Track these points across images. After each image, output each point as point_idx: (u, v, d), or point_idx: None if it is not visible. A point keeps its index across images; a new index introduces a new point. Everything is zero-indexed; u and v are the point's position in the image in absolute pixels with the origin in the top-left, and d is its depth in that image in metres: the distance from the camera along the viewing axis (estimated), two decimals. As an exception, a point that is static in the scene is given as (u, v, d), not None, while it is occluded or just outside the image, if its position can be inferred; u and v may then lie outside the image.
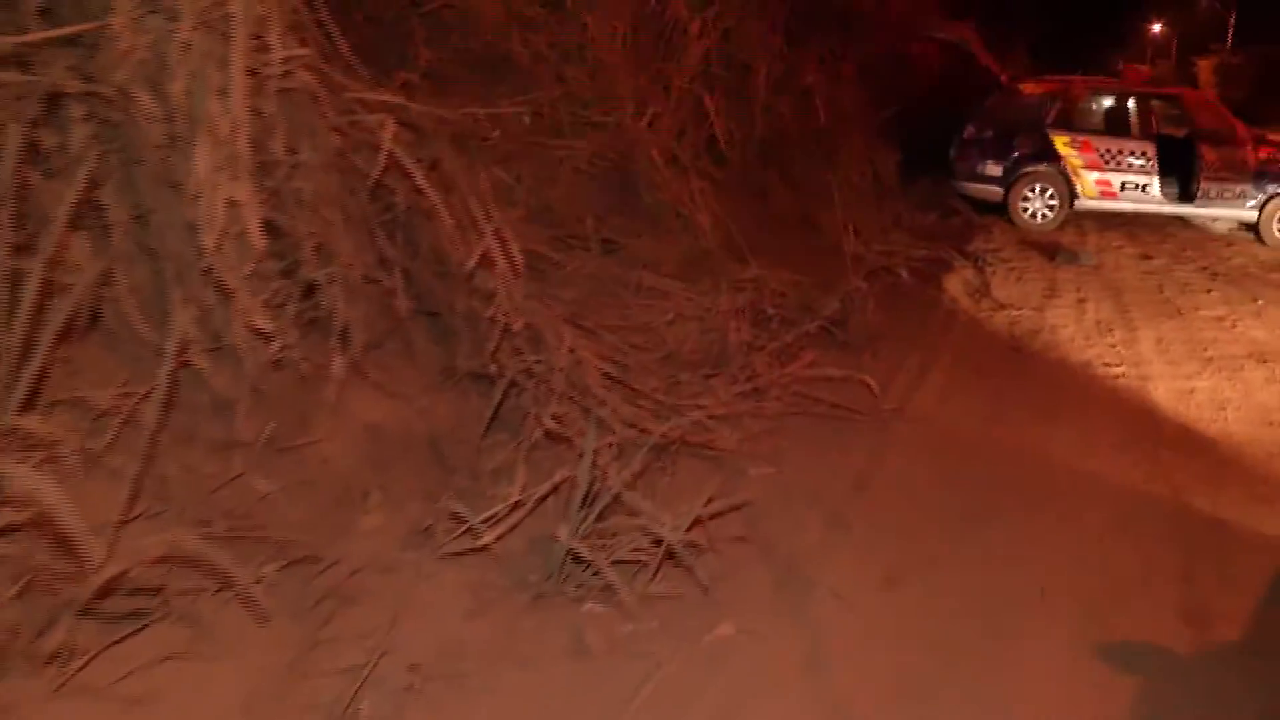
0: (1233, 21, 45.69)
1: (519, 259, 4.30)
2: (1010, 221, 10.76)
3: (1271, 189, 10.32)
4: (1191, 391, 5.85)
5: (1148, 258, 9.56)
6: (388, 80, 5.04)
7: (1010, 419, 5.25)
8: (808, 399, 5.04)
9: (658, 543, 3.34)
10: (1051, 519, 4.20)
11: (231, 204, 3.52)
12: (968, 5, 14.33)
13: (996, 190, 10.76)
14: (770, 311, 5.71)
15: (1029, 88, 11.11)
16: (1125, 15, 51.60)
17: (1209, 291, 8.27)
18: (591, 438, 3.59)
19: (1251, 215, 10.43)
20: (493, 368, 4.39)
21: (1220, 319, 7.45)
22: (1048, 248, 9.68)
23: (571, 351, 4.47)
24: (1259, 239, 10.51)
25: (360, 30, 6.38)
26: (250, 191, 3.64)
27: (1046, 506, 4.30)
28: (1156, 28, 55.76)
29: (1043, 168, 10.60)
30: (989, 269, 8.58)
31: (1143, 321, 7.25)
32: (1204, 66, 44.81)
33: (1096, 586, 3.73)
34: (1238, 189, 10.34)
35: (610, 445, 4.07)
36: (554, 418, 4.29)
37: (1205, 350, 6.65)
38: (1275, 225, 10.35)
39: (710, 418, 4.76)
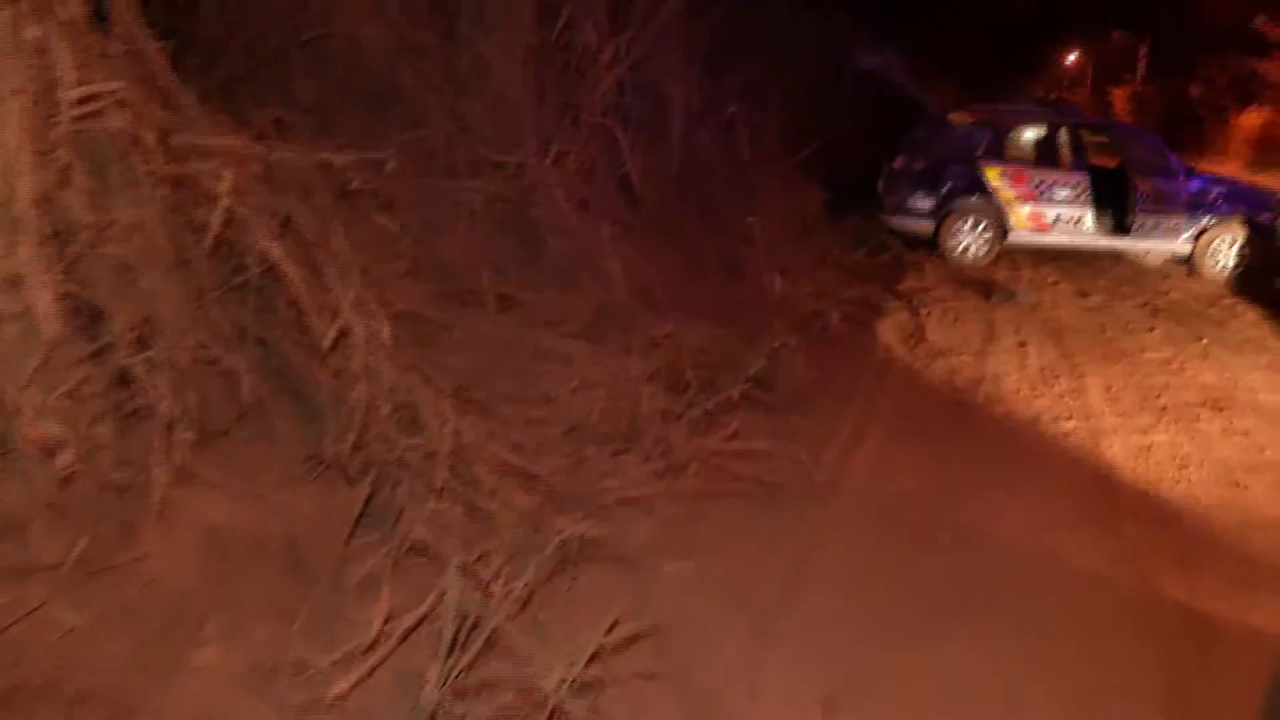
0: (1144, 53, 46.60)
1: (385, 331, 3.66)
2: (941, 257, 10.32)
3: (1205, 220, 10.00)
4: (1149, 448, 5.36)
5: (1085, 294, 9.16)
6: (262, 117, 4.41)
7: (957, 489, 4.71)
8: (731, 475, 4.44)
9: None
10: (1011, 619, 3.64)
11: (11, 281, 2.85)
12: (890, 35, 14.00)
13: (927, 225, 10.32)
14: (688, 374, 5.11)
15: (959, 118, 10.69)
16: (1042, 45, 52.42)
17: (1152, 330, 7.86)
18: (455, 580, 2.93)
19: (1186, 248, 10.11)
20: (358, 458, 3.76)
21: (1168, 361, 7.02)
22: (982, 285, 9.25)
23: (455, 434, 3.85)
24: (1193, 272, 10.19)
25: (235, 62, 5.74)
26: (39, 263, 2.97)
27: (1004, 602, 3.74)
28: (1072, 58, 56.79)
29: (974, 201, 10.18)
30: (923, 310, 8.09)
31: (1089, 366, 6.78)
32: (1118, 96, 45.57)
33: (1068, 699, 3.17)
34: (1172, 221, 10.01)
35: (498, 550, 3.46)
36: (433, 515, 3.67)
37: (1157, 398, 6.19)
38: (1209, 258, 10.03)
39: (620, 503, 4.16)
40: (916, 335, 7.34)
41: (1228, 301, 9.15)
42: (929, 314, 8.01)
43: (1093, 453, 5.28)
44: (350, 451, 3.73)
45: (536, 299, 5.42)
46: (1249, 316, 8.58)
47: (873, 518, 4.37)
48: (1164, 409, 5.99)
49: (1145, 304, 8.84)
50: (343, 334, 3.54)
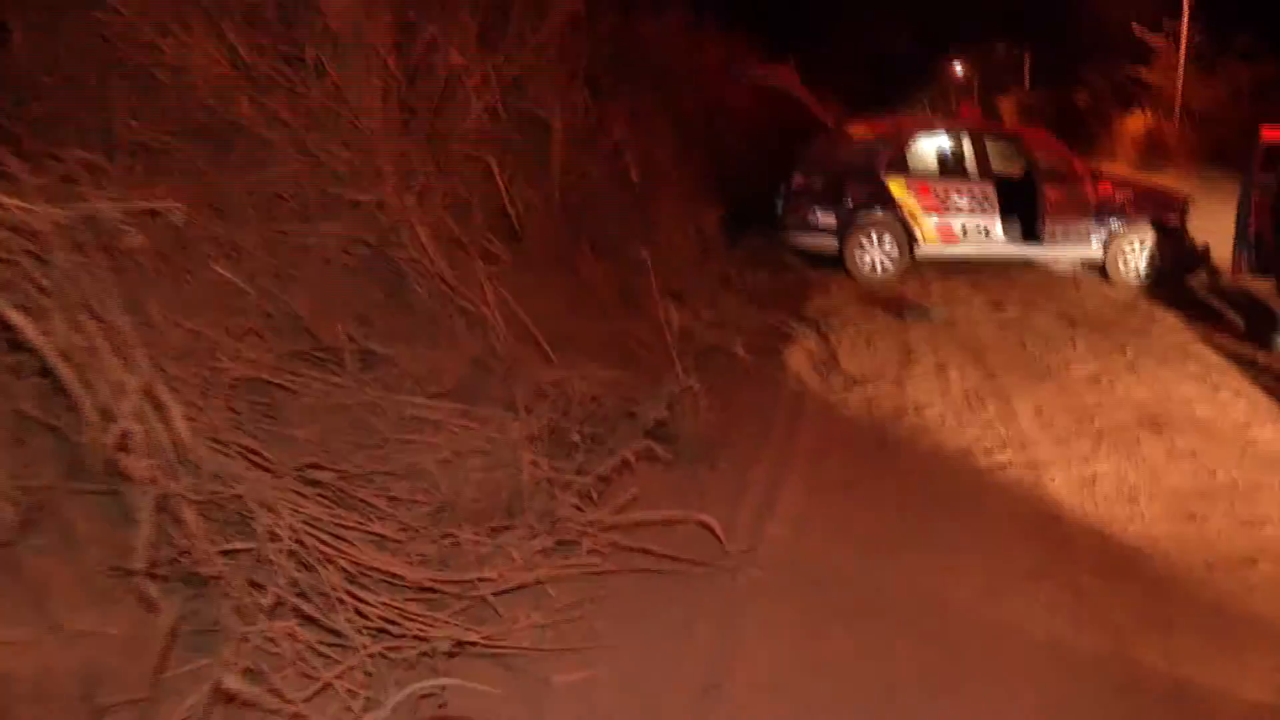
0: (1028, 63, 47.59)
1: (182, 427, 2.94)
2: (848, 274, 9.85)
3: (1114, 225, 9.69)
4: (1093, 479, 4.85)
5: (999, 307, 8.74)
6: (70, 159, 3.68)
7: (890, 548, 4.11)
8: (631, 550, 3.78)
9: None
10: (968, 708, 3.04)
11: None
12: (783, 49, 13.61)
13: (831, 242, 9.84)
14: (578, 432, 4.45)
15: (858, 130, 10.26)
16: (931, 56, 53.30)
17: (1074, 343, 7.43)
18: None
19: (1097, 254, 9.78)
20: (175, 568, 3.05)
21: (1095, 378, 6.57)
22: (893, 303, 8.78)
23: (294, 531, 3.14)
24: (1105, 277, 9.88)
25: (53, 96, 4.96)
26: None
27: (959, 690, 3.13)
28: (959, 69, 57.83)
29: (879, 215, 9.73)
30: (834, 335, 7.56)
31: (1015, 388, 6.29)
32: (1005, 105, 46.45)
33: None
34: (1081, 227, 9.68)
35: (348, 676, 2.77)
36: (266, 638, 2.97)
37: (1092, 420, 5.71)
38: (1120, 262, 9.72)
39: (501, 594, 3.49)
40: (829, 363, 6.79)
41: (1144, 307, 8.81)
42: (840, 338, 7.48)
43: (1034, 489, 4.74)
44: (166, 560, 3.01)
45: (402, 354, 4.70)
46: (1168, 322, 8.23)
47: (798, 593, 3.74)
48: (1101, 432, 5.51)
49: (1062, 314, 8.43)
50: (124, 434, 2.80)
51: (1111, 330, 7.89)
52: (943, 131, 10.48)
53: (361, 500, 3.69)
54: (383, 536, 3.51)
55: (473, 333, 5.18)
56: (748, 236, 10.91)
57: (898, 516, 4.42)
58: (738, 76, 10.19)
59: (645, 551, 3.76)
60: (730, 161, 13.71)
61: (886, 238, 9.71)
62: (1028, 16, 41.03)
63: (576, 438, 4.38)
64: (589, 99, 8.25)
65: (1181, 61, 26.61)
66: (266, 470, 3.37)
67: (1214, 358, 7.10)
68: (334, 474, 3.69)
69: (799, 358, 6.90)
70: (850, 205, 9.73)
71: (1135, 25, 27.48)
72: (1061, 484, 4.80)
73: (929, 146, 10.67)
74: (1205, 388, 6.37)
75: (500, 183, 5.97)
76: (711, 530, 3.88)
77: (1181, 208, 9.79)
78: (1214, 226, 9.88)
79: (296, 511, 3.20)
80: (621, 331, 7.21)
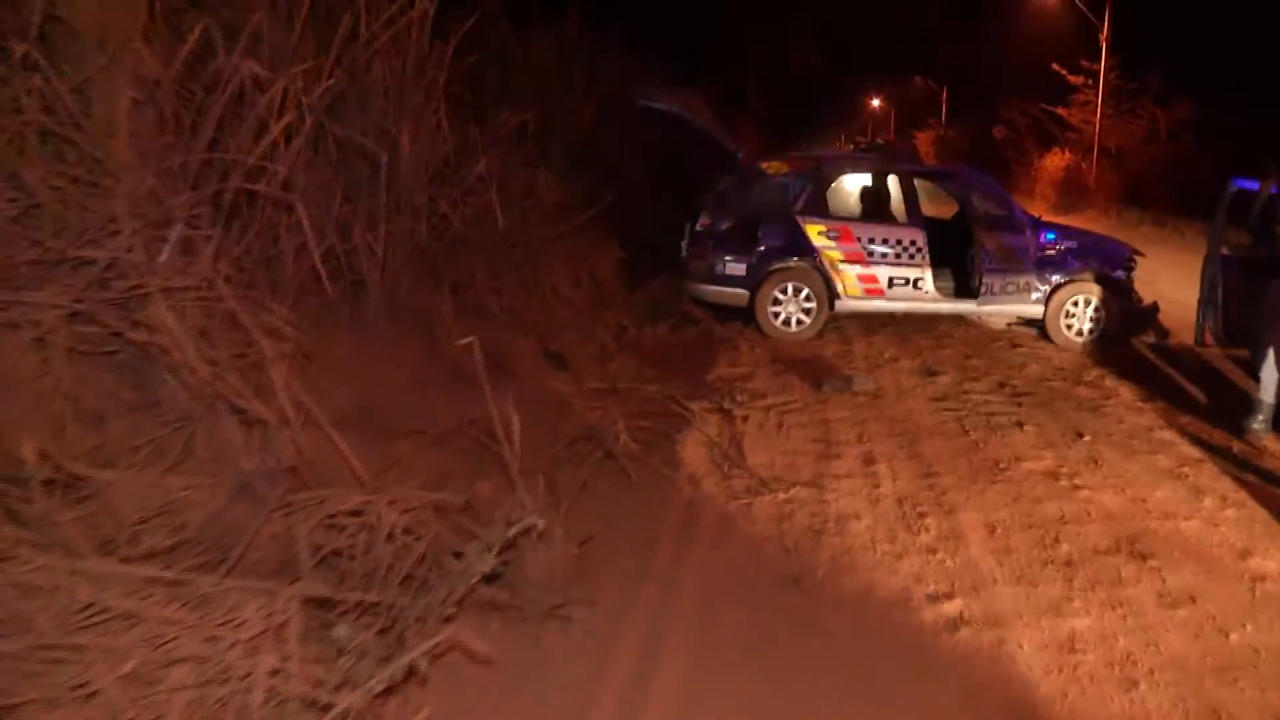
0: (945, 97, 47.57)
1: None
2: (759, 331, 8.63)
3: (1055, 279, 8.63)
4: (1071, 644, 3.64)
5: (931, 373, 7.58)
6: None
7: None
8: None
9: None
10: None
11: None
12: (693, 73, 12.41)
13: (740, 293, 8.60)
14: (367, 597, 3.09)
15: (773, 167, 9.01)
16: (848, 90, 53.14)
17: (1021, 425, 6.28)
18: None
19: (1037, 310, 8.72)
20: None
21: (1053, 475, 5.41)
22: (811, 367, 7.57)
23: None
24: (1045, 336, 8.82)
25: None
26: None
27: None
28: (876, 102, 57.84)
29: (795, 264, 8.53)
30: (739, 412, 6.30)
31: (959, 492, 5.09)
32: (922, 139, 46.29)
33: None
34: (1021, 280, 8.61)
35: None
36: None
37: (1057, 542, 4.52)
38: (1063, 320, 8.66)
39: None
40: (732, 454, 5.52)
41: (1093, 374, 7.73)
42: (746, 417, 6.23)
43: (996, 664, 3.50)
44: None
45: (123, 483, 3.29)
46: (1123, 395, 7.14)
47: None
48: (1071, 563, 4.31)
49: (1003, 384, 7.30)
50: None
51: (1061, 406, 6.77)
52: (867, 170, 9.31)
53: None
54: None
55: (241, 440, 3.80)
56: (652, 281, 9.67)
57: (814, 708, 3.15)
58: (641, 102, 8.90)
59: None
60: (634, 196, 12.48)
61: (803, 290, 8.52)
62: (946, 51, 40.91)
63: (368, 599, 3.02)
64: (454, 122, 6.90)
65: (1100, 101, 26.19)
66: None
67: (1185, 447, 6.00)
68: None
69: (695, 447, 5.62)
70: (762, 252, 8.52)
71: (1055, 65, 27.04)
72: (1032, 652, 3.57)
73: (852, 186, 9.54)
74: (1185, 491, 5.23)
75: (307, 230, 4.60)
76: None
77: (1129, 261, 8.77)
78: (1147, 275, 8.92)
79: None
80: (484, 402, 5.89)
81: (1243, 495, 5.21)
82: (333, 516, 3.53)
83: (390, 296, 6.21)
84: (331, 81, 5.09)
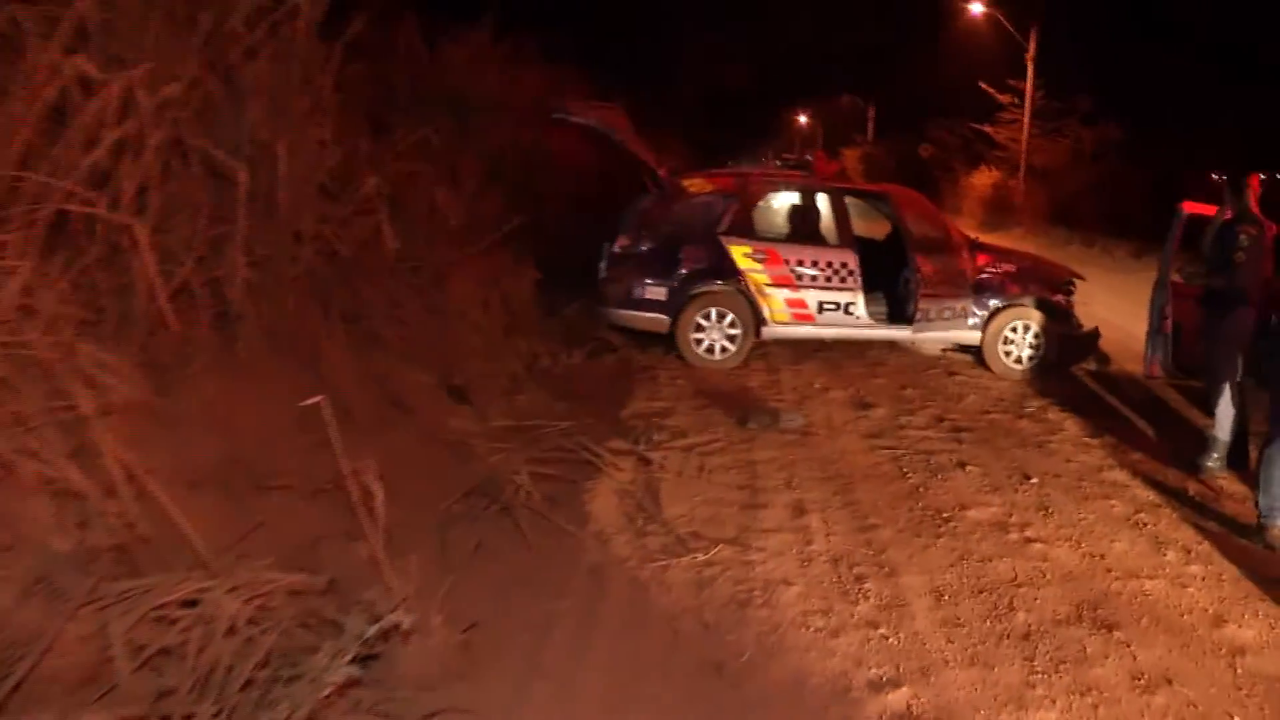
0: (872, 114, 47.72)
1: None
2: (682, 357, 8.05)
3: (994, 303, 8.19)
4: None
5: (864, 405, 7.06)
6: None
7: None
8: None
9: None
10: None
11: None
12: (616, 86, 11.85)
13: (661, 319, 8.01)
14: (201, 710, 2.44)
15: (696, 185, 8.43)
16: (776, 105, 53.14)
17: (963, 466, 5.78)
18: None
19: (974, 336, 8.26)
20: None
21: (1001, 525, 4.90)
22: (735, 400, 7.01)
23: None
24: (982, 363, 8.37)
25: None
26: None
27: None
28: (803, 119, 57.91)
29: (718, 287, 7.97)
30: (656, 454, 5.71)
31: (900, 549, 4.54)
32: (849, 156, 46.32)
33: None
34: (958, 305, 8.14)
35: None
36: None
37: (1011, 609, 3.99)
38: (1002, 347, 8.21)
39: None
40: (647, 506, 4.92)
41: (1035, 405, 7.29)
42: (665, 460, 5.63)
43: (954, 778, 2.94)
44: None
45: None
46: (1069, 429, 6.69)
47: None
48: (1029, 636, 3.77)
49: (941, 418, 6.81)
50: None
51: (1004, 443, 6.29)
52: (796, 188, 8.78)
53: None
54: None
55: (61, 519, 3.11)
56: (570, 304, 9.05)
57: None
58: (556, 115, 8.28)
59: None
60: (555, 214, 11.87)
61: (727, 315, 7.96)
62: (873, 69, 40.97)
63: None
64: (349, 134, 6.24)
65: (1026, 120, 26.20)
66: None
67: (1139, 489, 5.54)
68: None
69: (606, 498, 5.00)
70: (684, 275, 7.94)
71: (982, 83, 27.01)
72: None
73: (780, 205, 9.02)
74: (1145, 543, 4.75)
75: (145, 256, 3.91)
76: None
77: (1068, 285, 8.36)
78: (1079, 297, 8.53)
79: None
80: (371, 449, 5.24)
81: (1207, 547, 4.74)
82: (161, 608, 2.89)
83: (270, 329, 5.52)
84: (175, 86, 4.40)
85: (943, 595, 4.10)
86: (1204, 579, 4.38)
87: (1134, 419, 7.04)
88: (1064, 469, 5.82)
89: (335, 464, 5.00)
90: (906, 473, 5.63)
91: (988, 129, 28.19)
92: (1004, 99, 26.91)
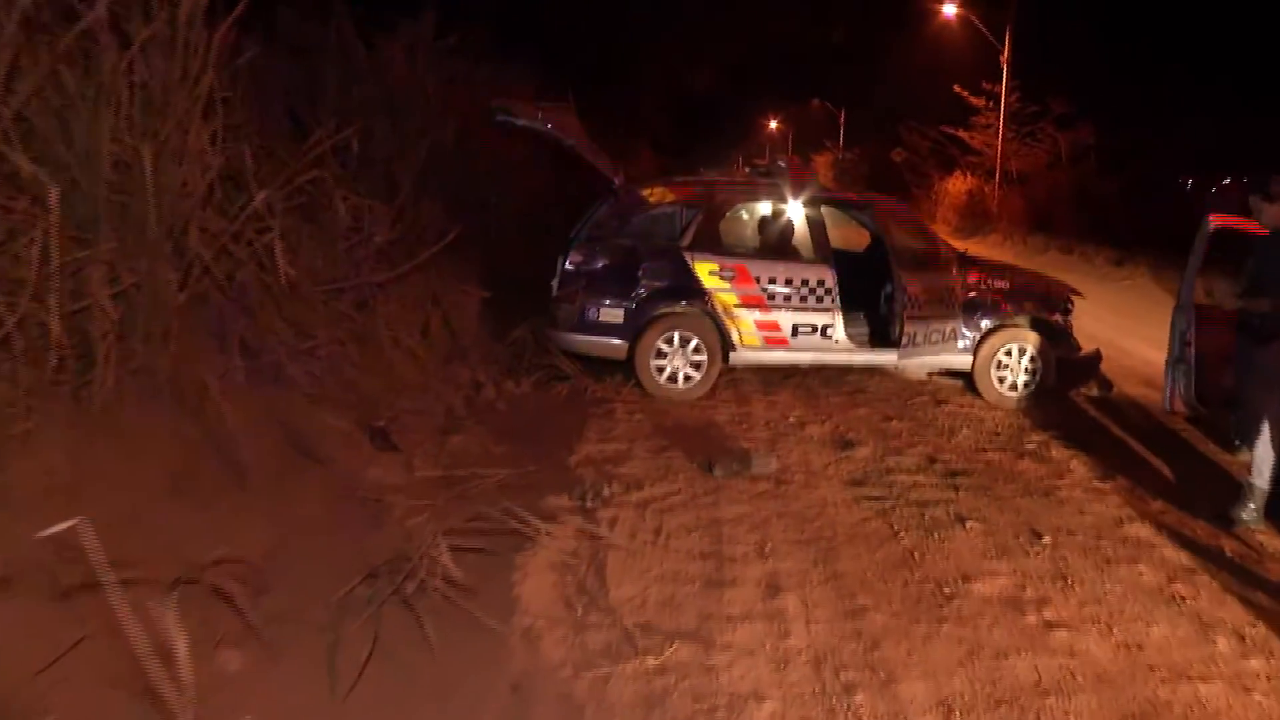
0: (843, 120, 47.14)
1: None
2: (641, 386, 7.21)
3: (985, 324, 7.40)
4: None
5: (846, 444, 6.25)
6: None
7: None
8: None
9: None
10: None
11: None
12: (572, 88, 11.00)
13: (618, 344, 7.16)
14: None
15: (656, 194, 7.56)
16: (746, 111, 52.48)
17: (963, 521, 4.97)
18: None
19: (964, 360, 7.48)
20: None
21: (1015, 603, 4.09)
22: (699, 439, 6.19)
23: None
24: (973, 389, 7.58)
25: None
26: None
27: None
28: (774, 124, 57.29)
29: (682, 309, 7.13)
30: (606, 512, 4.87)
31: (896, 643, 3.72)
32: (821, 162, 45.69)
33: None
34: (947, 327, 7.35)
35: None
36: None
37: (1040, 731, 3.16)
38: (995, 372, 7.43)
39: None
40: (590, 584, 4.07)
41: (1035, 440, 6.50)
42: (616, 519, 4.79)
43: None
44: None
45: None
46: (1077, 471, 5.91)
47: None
48: (1069, 775, 2.95)
49: (933, 459, 6.01)
50: None
51: (1006, 490, 5.50)
52: (767, 198, 7.96)
53: None
54: None
55: None
56: (520, 327, 8.18)
57: None
58: (500, 118, 7.42)
59: None
60: (506, 226, 11.02)
61: (691, 340, 7.11)
62: (845, 73, 40.38)
63: None
64: (223, 139, 5.34)
65: (1002, 125, 25.57)
66: None
67: (1167, 549, 4.75)
68: None
69: (541, 575, 4.13)
70: (643, 296, 7.10)
71: (957, 87, 26.39)
72: None
73: (749, 217, 8.20)
74: (1187, 625, 3.96)
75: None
76: None
77: (1066, 304, 7.58)
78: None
79: None
80: (269, 516, 4.40)
81: (1262, 630, 3.95)
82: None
83: (144, 368, 4.65)
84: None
85: (953, 711, 3.27)
86: (1269, 678, 3.58)
87: (1147, 456, 6.26)
88: (1078, 523, 5.02)
89: (215, 533, 4.15)
90: (898, 531, 4.82)
91: (962, 133, 27.58)
92: (978, 102, 26.29)
